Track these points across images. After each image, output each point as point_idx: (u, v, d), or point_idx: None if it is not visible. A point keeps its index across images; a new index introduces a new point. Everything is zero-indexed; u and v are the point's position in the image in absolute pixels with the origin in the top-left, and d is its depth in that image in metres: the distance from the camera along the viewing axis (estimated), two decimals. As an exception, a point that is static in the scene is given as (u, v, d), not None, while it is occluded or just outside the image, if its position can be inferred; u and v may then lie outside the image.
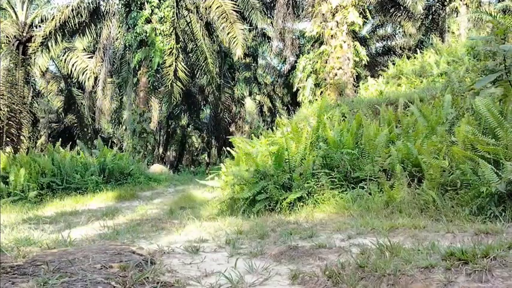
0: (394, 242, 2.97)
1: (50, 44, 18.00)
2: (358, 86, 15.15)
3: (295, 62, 21.70)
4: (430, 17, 22.65)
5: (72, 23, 17.99)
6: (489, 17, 11.12)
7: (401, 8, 21.48)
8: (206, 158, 33.26)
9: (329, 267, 2.61)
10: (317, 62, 16.27)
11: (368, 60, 17.28)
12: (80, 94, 23.93)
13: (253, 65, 29.17)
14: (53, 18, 18.13)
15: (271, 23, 21.64)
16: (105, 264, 2.64)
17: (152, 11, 17.24)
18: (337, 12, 14.85)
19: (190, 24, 19.77)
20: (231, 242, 3.74)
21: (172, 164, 29.68)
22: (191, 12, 19.77)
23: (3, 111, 16.61)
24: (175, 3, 17.88)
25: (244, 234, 4.20)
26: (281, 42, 21.29)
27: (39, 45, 17.83)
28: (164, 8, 17.33)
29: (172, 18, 17.60)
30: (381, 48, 28.05)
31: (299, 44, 22.17)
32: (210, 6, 18.12)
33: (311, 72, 17.03)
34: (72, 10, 17.82)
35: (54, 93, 27.27)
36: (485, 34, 13.06)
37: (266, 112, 34.05)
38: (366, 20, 17.40)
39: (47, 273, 2.42)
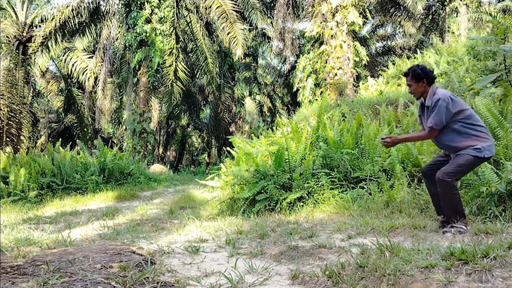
0: (394, 242, 2.97)
1: (50, 44, 17.97)
2: (358, 86, 15.15)
3: (295, 62, 21.71)
4: (430, 17, 22.65)
5: (72, 23, 17.97)
6: (489, 17, 11.13)
7: (401, 8, 21.47)
8: (206, 158, 33.24)
9: (329, 267, 2.61)
10: (317, 62, 16.28)
11: (368, 60, 17.29)
12: (80, 94, 23.89)
13: (253, 65, 29.15)
14: (53, 18, 18.10)
15: (271, 23, 21.63)
16: (105, 264, 2.64)
17: (152, 11, 17.24)
18: (337, 12, 14.86)
19: (190, 24, 19.77)
20: (231, 242, 3.74)
21: (172, 164, 29.68)
22: (191, 12, 19.77)
23: (3, 111, 16.60)
24: (175, 3, 17.87)
25: (244, 234, 4.20)
26: (281, 42, 21.27)
27: (39, 45, 17.81)
28: (164, 8, 17.32)
29: (172, 18, 17.60)
30: (381, 48, 28.04)
31: (299, 44, 22.17)
32: (210, 6, 18.11)
33: (311, 72, 17.03)
34: (72, 10, 17.79)
35: (54, 93, 27.25)
36: (485, 34, 13.06)
37: (266, 112, 34.04)
38: (366, 20, 17.41)
39: (47, 273, 2.42)
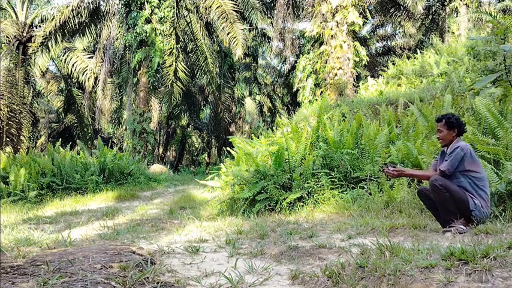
0: (394, 242, 2.97)
1: (50, 44, 17.96)
2: (358, 86, 15.15)
3: (295, 62, 21.70)
4: (430, 17, 22.64)
5: (72, 23, 17.96)
6: (489, 17, 11.13)
7: (401, 8, 21.47)
8: (206, 158, 33.24)
9: (329, 267, 2.61)
10: (317, 62, 16.28)
11: (368, 60, 17.28)
12: (80, 94, 23.88)
13: (253, 65, 29.14)
14: (53, 18, 18.09)
15: (271, 23, 21.62)
16: (105, 264, 2.64)
17: (152, 11, 17.23)
18: (337, 12, 14.85)
19: (190, 24, 19.76)
20: (231, 242, 3.74)
21: (172, 164, 29.67)
22: (191, 12, 19.76)
23: (3, 111, 16.60)
24: (175, 3, 17.87)
25: (244, 234, 4.20)
26: (281, 42, 21.26)
27: (39, 45, 17.80)
28: (164, 8, 17.32)
29: (172, 18, 17.60)
30: (381, 48, 28.04)
31: (299, 44, 22.17)
32: (210, 6, 18.11)
33: (311, 72, 17.03)
34: (72, 10, 17.78)
35: (54, 93, 27.23)
36: (485, 34, 13.06)
37: (266, 112, 34.04)
38: (366, 20, 17.40)
39: (47, 273, 2.42)
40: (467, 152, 3.52)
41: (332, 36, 14.97)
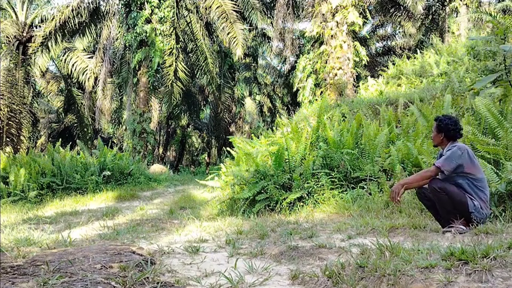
0: (394, 242, 2.97)
1: (50, 44, 17.96)
2: (358, 86, 15.15)
3: (295, 62, 21.70)
4: (430, 17, 22.63)
5: (72, 23, 17.97)
6: (489, 17, 11.13)
7: (401, 8, 21.46)
8: (206, 158, 33.24)
9: (329, 267, 2.60)
10: (317, 62, 16.28)
11: (368, 60, 17.28)
12: (80, 94, 23.86)
13: (253, 65, 29.14)
14: (53, 18, 18.09)
15: (271, 23, 21.61)
16: (105, 264, 2.64)
17: (152, 11, 17.24)
18: (337, 12, 14.86)
19: (190, 24, 19.76)
20: (231, 242, 3.74)
21: (172, 164, 29.67)
22: (191, 12, 19.76)
23: (3, 111, 16.60)
24: (175, 3, 17.87)
25: (244, 234, 4.20)
26: (281, 42, 21.26)
27: (39, 45, 17.80)
28: (164, 8, 17.32)
29: (172, 18, 17.60)
30: (381, 48, 28.03)
31: (299, 44, 22.16)
32: (210, 6, 18.11)
33: (311, 73, 17.03)
34: (72, 10, 17.78)
35: (54, 93, 27.23)
36: (485, 34, 13.06)
37: (266, 112, 34.04)
38: (366, 20, 17.40)
39: (47, 273, 2.42)
40: (465, 152, 3.50)
41: (332, 36, 14.98)
